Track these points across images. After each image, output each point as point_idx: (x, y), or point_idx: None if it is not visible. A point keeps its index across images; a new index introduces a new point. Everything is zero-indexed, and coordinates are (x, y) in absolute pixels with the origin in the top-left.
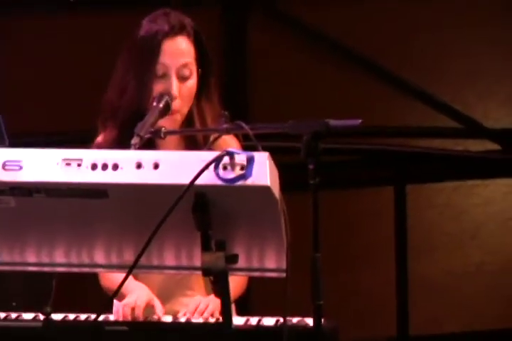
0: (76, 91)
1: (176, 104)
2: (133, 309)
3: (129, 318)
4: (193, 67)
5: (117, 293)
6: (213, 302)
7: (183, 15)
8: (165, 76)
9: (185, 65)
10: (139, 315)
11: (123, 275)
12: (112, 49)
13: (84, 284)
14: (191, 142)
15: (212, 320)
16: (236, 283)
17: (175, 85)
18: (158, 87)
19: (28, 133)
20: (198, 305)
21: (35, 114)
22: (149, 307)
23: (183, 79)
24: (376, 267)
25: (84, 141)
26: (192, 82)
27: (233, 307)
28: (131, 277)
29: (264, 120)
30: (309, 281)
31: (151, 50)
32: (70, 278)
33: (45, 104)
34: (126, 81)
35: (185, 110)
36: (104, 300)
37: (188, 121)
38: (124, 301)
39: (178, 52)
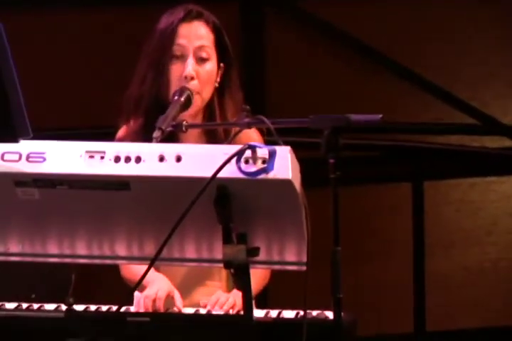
0: (96, 85)
1: (194, 85)
2: (154, 301)
3: (150, 310)
4: (212, 51)
5: (139, 285)
6: (234, 297)
7: (204, 9)
8: (182, 57)
9: (202, 47)
10: (160, 306)
11: (144, 266)
12: (125, 46)
13: (103, 276)
14: (212, 136)
15: (232, 313)
16: (258, 277)
17: (191, 65)
18: (175, 67)
19: (50, 128)
20: (219, 298)
21: (50, 111)
22: (169, 299)
23: (201, 60)
24: (393, 263)
25: (107, 136)
26: (210, 65)
27: (255, 300)
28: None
29: (282, 115)
30: (328, 275)
31: (167, 34)
32: (89, 270)
33: (62, 100)
34: (145, 68)
35: (205, 94)
36: (125, 291)
37: (209, 115)
38: (145, 293)
39: (195, 34)
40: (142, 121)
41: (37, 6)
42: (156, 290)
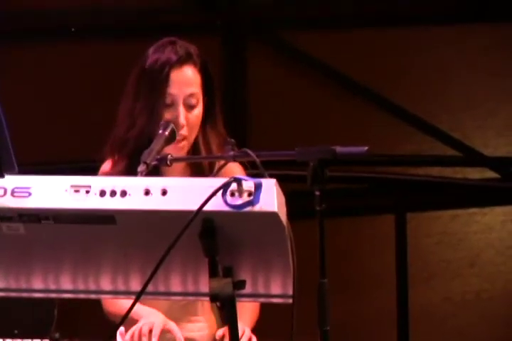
0: (81, 120)
1: (183, 132)
2: (150, 330)
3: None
4: (200, 96)
5: (125, 320)
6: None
7: (189, 43)
8: (173, 105)
9: (192, 95)
10: (156, 336)
11: (129, 301)
12: (114, 77)
13: (87, 310)
14: (197, 169)
15: None
16: (252, 310)
17: (182, 114)
18: (167, 115)
19: (35, 162)
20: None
21: (38, 144)
22: (165, 333)
23: (190, 107)
24: (377, 294)
25: (92, 170)
26: (198, 110)
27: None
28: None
29: (264, 146)
30: (314, 307)
31: (160, 80)
32: (72, 306)
33: (50, 133)
34: (137, 111)
35: (192, 137)
36: (108, 326)
37: (193, 148)
38: (142, 321)
39: (185, 82)
40: (127, 163)
41: (23, 40)
42: (152, 320)
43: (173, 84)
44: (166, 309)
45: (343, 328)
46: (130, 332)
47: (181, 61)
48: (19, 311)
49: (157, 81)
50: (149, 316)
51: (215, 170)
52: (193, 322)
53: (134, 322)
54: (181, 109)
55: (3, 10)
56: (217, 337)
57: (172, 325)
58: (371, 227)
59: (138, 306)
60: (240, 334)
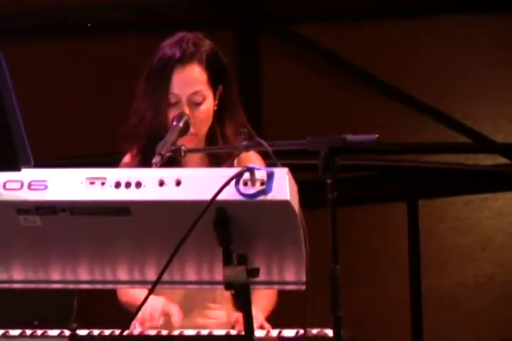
0: (93, 115)
1: (190, 129)
2: (151, 315)
3: (148, 323)
4: (206, 92)
5: (140, 309)
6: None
7: (202, 37)
8: (177, 104)
9: (196, 93)
10: (156, 320)
11: (141, 290)
12: (127, 72)
13: (105, 300)
14: (215, 159)
15: (233, 332)
16: (269, 298)
17: (186, 113)
18: (172, 113)
19: (50, 156)
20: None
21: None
22: (166, 317)
23: (195, 105)
24: (390, 280)
25: (107, 163)
26: (205, 106)
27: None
28: (144, 292)
29: (278, 137)
30: (327, 293)
31: (162, 80)
32: (90, 295)
33: (61, 128)
34: (144, 109)
35: (201, 133)
36: (123, 314)
37: (210, 138)
38: (146, 309)
39: (188, 80)
40: (140, 158)
41: (38, 37)
42: (151, 304)
43: (176, 84)
44: (183, 297)
45: (356, 315)
46: (137, 319)
47: (185, 59)
48: (39, 302)
49: (160, 80)
50: (151, 302)
51: (229, 161)
52: (210, 309)
53: None
54: (186, 108)
55: (20, 7)
56: (232, 321)
57: (171, 308)
58: (383, 215)
59: (141, 293)
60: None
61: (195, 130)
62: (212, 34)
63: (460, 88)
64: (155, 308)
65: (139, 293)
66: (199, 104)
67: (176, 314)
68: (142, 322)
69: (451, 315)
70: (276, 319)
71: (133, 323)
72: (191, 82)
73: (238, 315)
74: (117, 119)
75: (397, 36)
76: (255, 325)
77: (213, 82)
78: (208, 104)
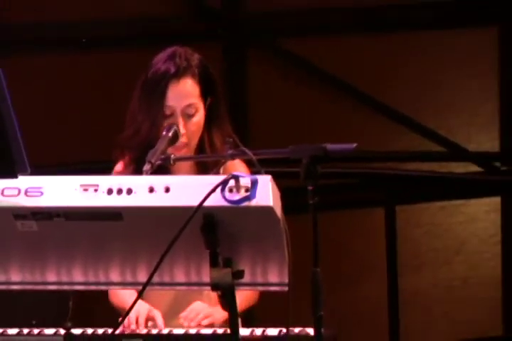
0: (88, 124)
1: (183, 140)
2: (137, 319)
3: (134, 326)
4: (198, 105)
5: (128, 313)
6: (206, 310)
7: (192, 51)
8: (172, 116)
9: (189, 105)
10: (141, 324)
11: (131, 292)
12: (120, 83)
13: (99, 301)
14: (202, 167)
15: (220, 331)
16: (244, 297)
17: (181, 124)
18: (167, 124)
19: (46, 164)
20: (190, 313)
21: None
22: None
23: (188, 117)
24: (369, 282)
25: (99, 170)
26: (197, 118)
27: (239, 319)
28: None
29: (263, 146)
30: (309, 294)
31: (158, 94)
32: (84, 297)
33: (58, 137)
34: (139, 121)
35: (193, 142)
36: (114, 314)
37: (199, 147)
38: (133, 313)
39: (183, 94)
40: (134, 167)
41: (40, 49)
42: (137, 309)
43: (171, 97)
44: (171, 298)
45: (336, 315)
46: (125, 322)
47: (179, 74)
48: (36, 303)
49: (156, 94)
50: (138, 307)
51: (216, 169)
52: None
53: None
54: (180, 120)
55: (20, 21)
56: (181, 318)
57: (155, 313)
58: (362, 220)
59: (130, 296)
60: (192, 316)
61: (187, 140)
62: (202, 47)
63: (434, 100)
64: (140, 313)
65: (128, 295)
66: (192, 116)
67: (160, 318)
68: (128, 325)
69: (426, 315)
70: (260, 318)
71: (120, 327)
72: (185, 95)
73: (187, 312)
74: (111, 129)
75: (377, 51)
76: (199, 316)
77: (204, 94)
78: (200, 116)
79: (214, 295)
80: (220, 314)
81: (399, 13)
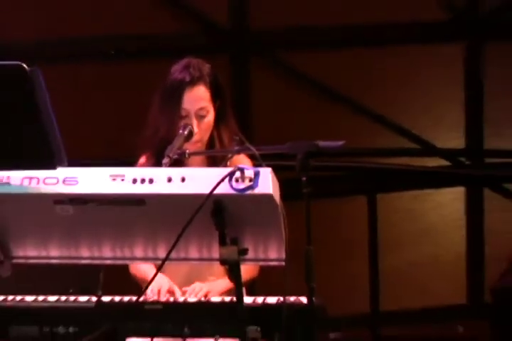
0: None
1: (196, 137)
2: (159, 291)
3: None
4: (209, 108)
5: (151, 282)
6: (207, 286)
7: (203, 62)
8: (187, 117)
9: (202, 108)
10: (163, 294)
11: (149, 265)
12: (140, 90)
13: (122, 274)
14: (212, 161)
15: (227, 299)
16: (247, 271)
17: (194, 124)
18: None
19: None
20: (195, 288)
21: (81, 145)
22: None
23: (201, 117)
24: (354, 259)
25: (126, 164)
26: (208, 119)
27: (244, 290)
28: (153, 269)
29: (264, 142)
30: (302, 269)
31: (175, 98)
32: (113, 270)
33: (90, 135)
34: (159, 122)
35: (205, 139)
36: (138, 285)
37: (209, 143)
38: (154, 285)
39: (196, 98)
40: (155, 161)
41: (73, 61)
42: (159, 282)
43: (186, 101)
44: (186, 271)
45: (326, 287)
46: (148, 292)
47: (193, 82)
48: (73, 275)
49: (174, 98)
50: (158, 280)
51: (224, 162)
52: (209, 281)
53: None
54: (194, 121)
55: (60, 35)
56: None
57: (174, 286)
58: (348, 206)
59: (149, 269)
60: (197, 291)
61: (199, 137)
62: (212, 58)
63: (409, 104)
64: (162, 286)
65: (146, 268)
66: (204, 117)
67: (178, 292)
68: (151, 294)
69: (402, 287)
70: (261, 289)
71: (143, 295)
72: (198, 100)
73: (190, 287)
74: (134, 129)
75: (363, 63)
76: (201, 293)
77: (214, 98)
78: (210, 117)
79: (222, 269)
80: (218, 287)
81: (376, 31)
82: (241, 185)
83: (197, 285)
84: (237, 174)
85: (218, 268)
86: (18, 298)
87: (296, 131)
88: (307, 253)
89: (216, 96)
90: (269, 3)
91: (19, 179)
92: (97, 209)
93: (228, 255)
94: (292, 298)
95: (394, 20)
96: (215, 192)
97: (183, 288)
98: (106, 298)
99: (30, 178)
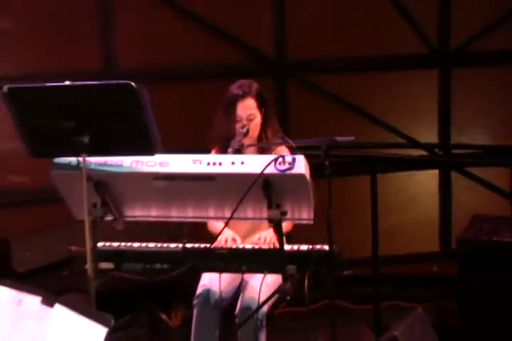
0: (196, 127)
1: (250, 134)
2: (226, 240)
3: (227, 244)
4: (256, 114)
5: (220, 234)
6: (269, 234)
7: (252, 81)
8: (241, 120)
9: (251, 114)
10: (230, 243)
11: (220, 223)
12: (211, 104)
13: (201, 229)
14: (261, 150)
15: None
16: (285, 227)
17: (248, 125)
18: (238, 126)
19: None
20: (266, 237)
21: (172, 139)
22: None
23: (250, 120)
24: (361, 220)
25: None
26: (256, 121)
27: (285, 239)
28: (222, 225)
29: (300, 137)
30: (325, 226)
31: (232, 108)
32: (195, 225)
33: (176, 134)
34: (222, 124)
35: (255, 135)
36: (212, 236)
37: (259, 138)
38: (222, 235)
39: (247, 107)
40: (221, 148)
41: (159, 82)
42: (227, 234)
43: (239, 110)
44: (244, 227)
45: (342, 238)
46: (218, 241)
47: (244, 95)
48: (166, 228)
49: (231, 108)
50: (225, 232)
51: (269, 151)
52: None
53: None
54: (245, 122)
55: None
56: (256, 239)
57: (237, 237)
58: (356, 184)
59: (220, 226)
60: (268, 240)
61: (252, 134)
62: (260, 79)
63: (400, 112)
64: (228, 236)
65: (218, 225)
66: (252, 120)
67: (239, 241)
68: (222, 243)
69: (395, 240)
70: (297, 239)
71: (215, 243)
72: (249, 108)
73: (259, 235)
74: (207, 130)
75: (373, 84)
76: (268, 240)
77: (260, 107)
78: (257, 120)
79: (267, 225)
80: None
81: (378, 60)
82: (282, 167)
83: (262, 235)
84: (280, 160)
85: (265, 225)
86: (129, 244)
87: (321, 130)
88: (328, 215)
89: (261, 105)
90: (304, 37)
91: (129, 162)
92: (182, 184)
93: (273, 216)
94: (318, 246)
95: (388, 53)
96: (265, 172)
97: (255, 240)
98: (189, 245)
99: (137, 161)
